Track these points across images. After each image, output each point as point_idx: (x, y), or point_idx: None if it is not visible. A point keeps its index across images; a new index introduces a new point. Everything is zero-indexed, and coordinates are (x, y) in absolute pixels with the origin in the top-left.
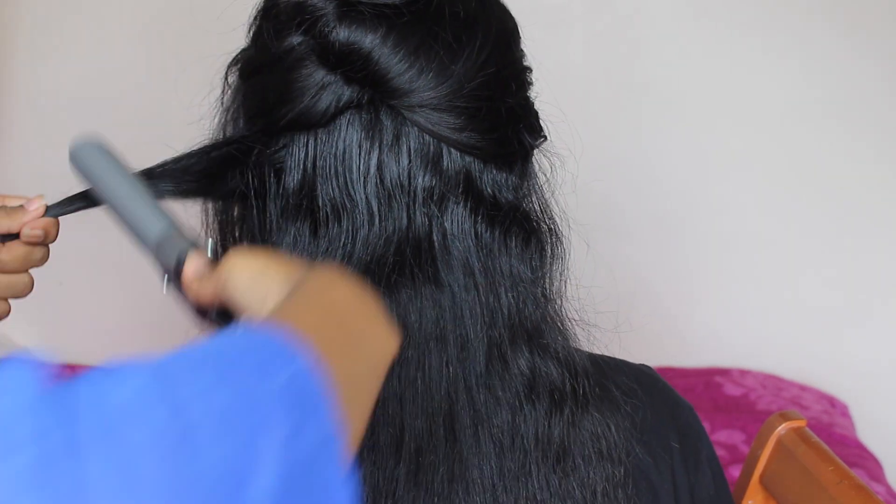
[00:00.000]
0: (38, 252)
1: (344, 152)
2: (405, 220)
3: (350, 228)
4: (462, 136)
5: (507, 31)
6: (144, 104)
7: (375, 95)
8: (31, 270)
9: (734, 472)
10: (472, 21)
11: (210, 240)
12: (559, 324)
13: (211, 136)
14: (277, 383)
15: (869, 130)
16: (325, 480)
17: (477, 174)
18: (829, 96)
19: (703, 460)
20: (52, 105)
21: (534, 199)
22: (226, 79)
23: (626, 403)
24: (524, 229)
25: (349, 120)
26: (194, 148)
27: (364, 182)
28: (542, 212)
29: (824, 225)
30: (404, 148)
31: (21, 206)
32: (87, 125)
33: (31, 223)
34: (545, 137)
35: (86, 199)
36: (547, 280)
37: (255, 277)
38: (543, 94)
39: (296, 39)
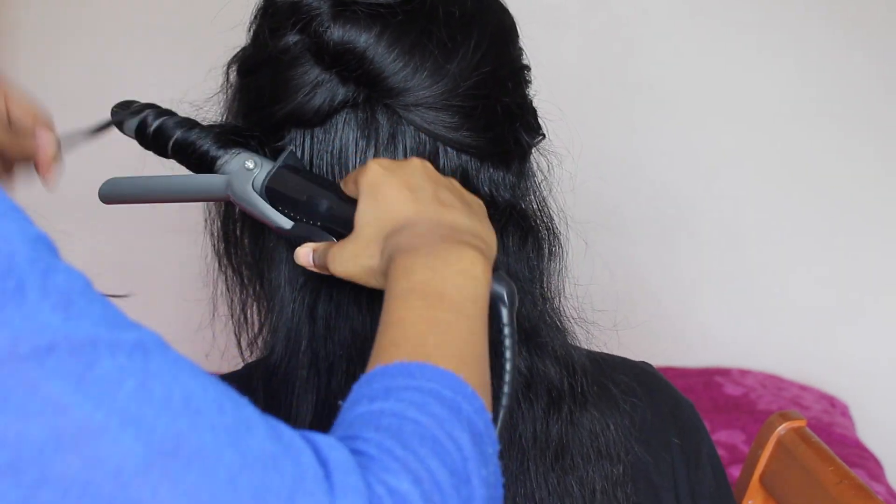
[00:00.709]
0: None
1: (340, 151)
2: None
3: None
4: (458, 135)
5: (503, 30)
6: None
7: (371, 94)
8: None
9: (734, 472)
10: (467, 20)
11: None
12: (558, 322)
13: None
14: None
15: (862, 129)
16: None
17: (473, 173)
18: (824, 95)
19: (703, 457)
20: (52, 105)
21: (532, 197)
22: (226, 77)
23: (625, 402)
24: (521, 228)
25: (345, 119)
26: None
27: None
28: (539, 210)
29: (816, 223)
30: (400, 147)
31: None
32: (87, 125)
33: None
34: (544, 136)
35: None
36: (545, 279)
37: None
38: (540, 93)
39: (291, 38)
